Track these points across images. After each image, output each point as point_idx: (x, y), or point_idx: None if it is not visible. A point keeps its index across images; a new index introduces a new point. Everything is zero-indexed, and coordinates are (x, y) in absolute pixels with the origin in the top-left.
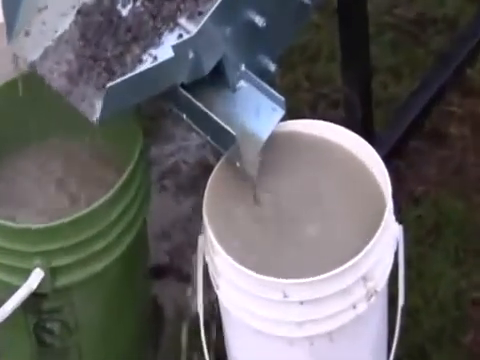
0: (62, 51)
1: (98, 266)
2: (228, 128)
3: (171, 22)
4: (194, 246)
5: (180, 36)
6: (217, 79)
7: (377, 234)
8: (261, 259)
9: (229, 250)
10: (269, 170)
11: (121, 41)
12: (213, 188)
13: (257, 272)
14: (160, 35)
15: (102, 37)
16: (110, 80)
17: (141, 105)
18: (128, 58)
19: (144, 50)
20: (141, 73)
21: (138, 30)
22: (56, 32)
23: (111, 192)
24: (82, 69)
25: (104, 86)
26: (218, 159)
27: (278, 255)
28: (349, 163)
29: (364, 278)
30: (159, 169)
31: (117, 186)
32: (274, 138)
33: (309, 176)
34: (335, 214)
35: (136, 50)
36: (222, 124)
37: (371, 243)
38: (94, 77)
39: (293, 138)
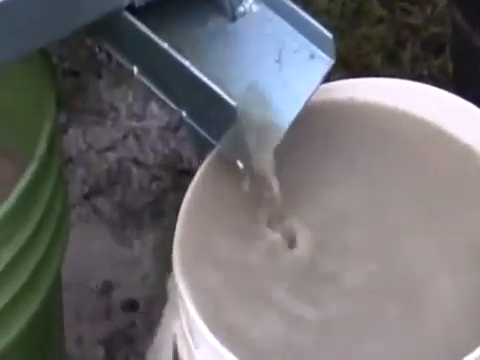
0: None
1: None
2: (222, 94)
3: None
4: (153, 329)
5: None
6: None
7: None
8: (285, 352)
9: (224, 337)
10: (301, 175)
11: None
12: (193, 213)
13: None
14: None
15: None
16: None
17: (54, 49)
18: None
19: None
20: None
21: None
22: None
23: None
24: None
25: None
26: (202, 157)
27: (319, 348)
28: (457, 160)
29: None
30: (88, 175)
31: (6, 207)
32: (312, 114)
33: (378, 188)
34: (428, 263)
35: None
36: (210, 85)
37: None
38: None
39: (349, 115)
